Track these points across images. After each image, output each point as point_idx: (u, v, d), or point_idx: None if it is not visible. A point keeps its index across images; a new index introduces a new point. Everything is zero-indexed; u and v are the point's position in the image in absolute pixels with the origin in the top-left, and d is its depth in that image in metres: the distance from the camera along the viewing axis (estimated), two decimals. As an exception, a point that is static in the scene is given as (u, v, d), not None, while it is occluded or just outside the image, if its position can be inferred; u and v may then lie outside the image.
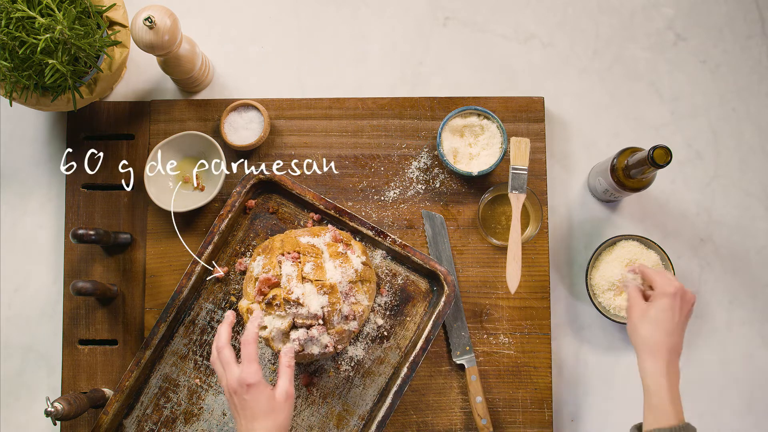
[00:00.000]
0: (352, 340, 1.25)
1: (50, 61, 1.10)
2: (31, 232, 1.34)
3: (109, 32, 1.19)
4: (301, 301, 1.12)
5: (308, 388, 1.25)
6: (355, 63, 1.36)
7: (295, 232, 1.21)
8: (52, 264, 1.33)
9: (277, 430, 1.01)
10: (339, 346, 1.17)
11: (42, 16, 1.09)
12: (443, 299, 1.22)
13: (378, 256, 1.27)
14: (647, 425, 1.02)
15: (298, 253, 1.15)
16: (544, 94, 1.34)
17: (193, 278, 1.24)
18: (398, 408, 1.26)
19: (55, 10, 1.09)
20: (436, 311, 1.22)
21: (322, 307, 1.12)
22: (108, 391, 1.26)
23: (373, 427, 1.20)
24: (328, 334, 1.15)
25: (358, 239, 1.26)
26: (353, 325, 1.16)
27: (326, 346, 1.15)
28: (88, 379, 1.29)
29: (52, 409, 1.10)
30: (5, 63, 1.11)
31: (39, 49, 1.08)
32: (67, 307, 1.30)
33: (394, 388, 1.21)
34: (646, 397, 1.04)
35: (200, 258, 1.24)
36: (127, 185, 1.32)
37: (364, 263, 1.19)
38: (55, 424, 1.14)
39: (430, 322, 1.22)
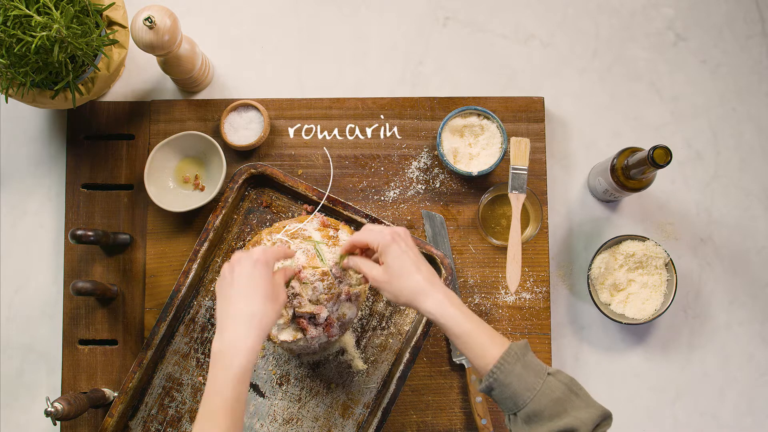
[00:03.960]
0: (353, 328, 1.26)
1: (51, 58, 1.10)
2: (31, 232, 1.34)
3: (108, 31, 1.19)
4: (297, 291, 1.12)
5: (312, 379, 1.25)
6: (355, 63, 1.36)
7: (282, 223, 1.21)
8: (52, 264, 1.33)
9: (275, 315, 1.00)
10: (338, 333, 1.18)
11: (40, 15, 1.10)
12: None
13: None
14: (483, 365, 0.96)
15: (288, 239, 1.16)
16: (544, 94, 1.34)
17: (191, 276, 1.24)
18: (398, 408, 1.26)
19: (53, 8, 1.09)
20: None
21: (319, 294, 1.12)
22: (108, 391, 1.26)
23: (379, 414, 1.21)
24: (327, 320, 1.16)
25: (353, 228, 1.26)
26: (353, 310, 1.17)
27: (327, 324, 1.15)
28: (88, 379, 1.29)
29: (52, 409, 1.10)
30: (1, 60, 1.11)
31: (33, 46, 1.08)
32: (67, 307, 1.30)
33: (398, 374, 1.21)
34: (458, 341, 0.98)
35: (197, 255, 1.24)
36: (127, 185, 1.32)
37: None
38: (55, 424, 1.14)
39: None
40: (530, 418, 0.93)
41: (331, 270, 1.15)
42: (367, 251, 1.10)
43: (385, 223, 1.24)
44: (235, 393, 0.94)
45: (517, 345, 0.96)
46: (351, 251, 1.10)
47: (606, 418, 0.93)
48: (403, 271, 1.02)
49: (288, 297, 1.13)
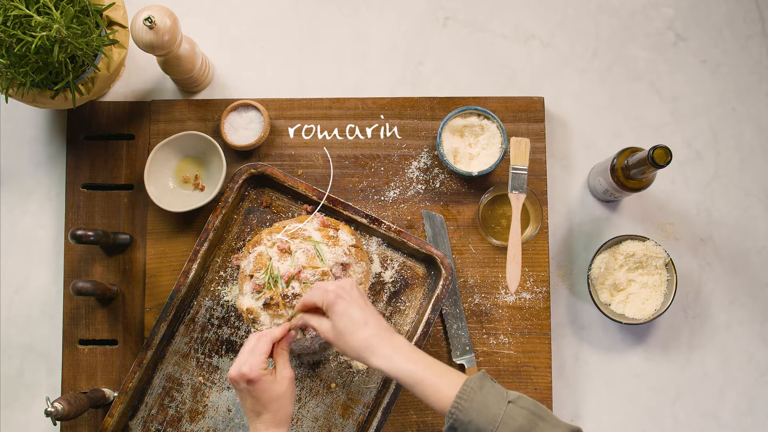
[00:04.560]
0: None
1: (51, 58, 1.10)
2: (31, 232, 1.34)
3: (108, 31, 1.19)
4: (297, 291, 1.12)
5: (312, 379, 1.25)
6: (355, 63, 1.36)
7: (282, 223, 1.21)
8: (52, 264, 1.33)
9: (283, 414, 1.04)
10: None
11: (40, 15, 1.10)
12: (441, 282, 1.23)
13: (374, 243, 1.28)
14: (441, 408, 0.95)
15: (288, 239, 1.16)
16: (544, 94, 1.34)
17: (191, 276, 1.24)
18: (398, 408, 1.26)
19: (53, 8, 1.10)
20: (435, 295, 1.23)
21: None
22: (108, 391, 1.26)
23: (379, 414, 1.21)
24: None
25: (353, 227, 1.26)
26: None
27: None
28: (88, 379, 1.29)
29: (52, 409, 1.10)
30: (1, 60, 1.11)
31: (33, 47, 1.08)
32: (67, 307, 1.30)
33: None
34: (413, 390, 0.97)
35: (197, 255, 1.24)
36: (127, 185, 1.32)
37: (354, 245, 1.20)
38: (55, 424, 1.14)
39: (430, 306, 1.22)
40: None
41: (331, 270, 1.15)
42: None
43: (384, 223, 1.24)
44: None
45: (472, 379, 0.96)
46: (305, 311, 1.09)
47: None
48: (348, 329, 1.01)
49: (288, 297, 1.13)
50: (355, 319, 1.01)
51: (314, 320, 1.07)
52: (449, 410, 0.94)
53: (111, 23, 1.21)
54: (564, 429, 0.92)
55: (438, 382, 0.96)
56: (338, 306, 1.02)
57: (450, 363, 1.27)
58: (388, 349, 0.99)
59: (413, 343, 1.21)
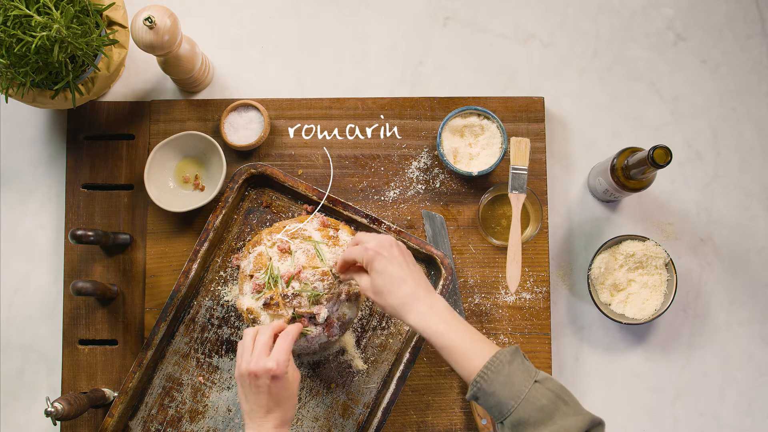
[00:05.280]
0: (353, 328, 1.26)
1: (51, 58, 1.10)
2: (31, 232, 1.34)
3: (108, 31, 1.19)
4: (297, 291, 1.12)
5: (312, 379, 1.25)
6: (355, 63, 1.36)
7: (282, 223, 1.21)
8: (52, 264, 1.33)
9: (291, 413, 1.04)
10: (338, 333, 1.18)
11: (40, 15, 1.10)
12: (441, 282, 1.23)
13: None
14: (468, 375, 0.95)
15: (288, 239, 1.16)
16: (544, 94, 1.34)
17: (191, 276, 1.24)
18: (398, 408, 1.26)
19: (53, 8, 1.10)
20: None
21: (318, 294, 1.13)
22: (108, 391, 1.26)
23: (379, 414, 1.20)
24: (327, 320, 1.16)
25: (353, 227, 1.26)
26: (353, 310, 1.17)
27: (327, 324, 1.15)
28: (88, 379, 1.29)
29: (52, 409, 1.10)
30: (1, 60, 1.11)
31: (33, 47, 1.08)
32: (67, 307, 1.30)
33: (398, 374, 1.21)
34: (443, 353, 0.98)
35: (197, 255, 1.24)
36: (127, 185, 1.32)
37: None
38: (55, 424, 1.14)
39: None
40: (515, 426, 0.92)
41: (331, 270, 1.15)
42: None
43: (384, 223, 1.24)
44: None
45: (503, 352, 0.95)
46: (346, 268, 1.10)
47: (596, 425, 0.91)
48: (386, 287, 1.02)
49: (288, 297, 1.13)
50: (394, 277, 1.01)
51: (355, 276, 1.08)
52: (474, 378, 0.94)
53: (111, 23, 1.21)
54: (586, 417, 0.91)
55: (468, 348, 0.96)
56: (377, 263, 1.02)
57: (450, 363, 1.27)
58: (424, 308, 1.00)
59: (413, 342, 1.21)
